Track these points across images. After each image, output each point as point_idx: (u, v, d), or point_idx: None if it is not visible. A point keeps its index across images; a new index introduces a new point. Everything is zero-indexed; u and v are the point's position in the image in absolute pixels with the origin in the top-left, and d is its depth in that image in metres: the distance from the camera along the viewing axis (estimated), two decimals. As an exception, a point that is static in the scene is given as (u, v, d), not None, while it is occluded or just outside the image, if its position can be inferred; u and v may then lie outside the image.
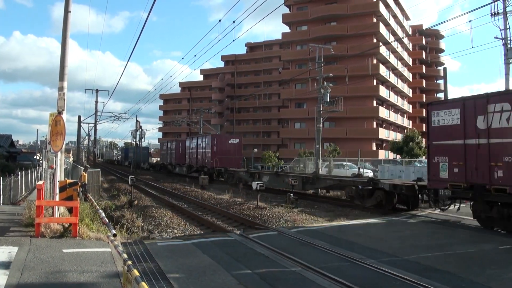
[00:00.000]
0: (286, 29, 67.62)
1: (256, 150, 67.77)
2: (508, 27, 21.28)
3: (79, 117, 46.48)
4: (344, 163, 35.96)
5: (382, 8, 59.20)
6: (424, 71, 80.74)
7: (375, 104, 59.48)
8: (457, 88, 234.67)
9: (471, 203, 12.10)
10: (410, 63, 73.80)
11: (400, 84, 68.55)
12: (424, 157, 48.38)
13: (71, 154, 58.64)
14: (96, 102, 49.30)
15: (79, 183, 12.18)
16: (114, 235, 7.96)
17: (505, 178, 10.73)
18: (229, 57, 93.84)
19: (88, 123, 64.44)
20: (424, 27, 79.72)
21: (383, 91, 60.61)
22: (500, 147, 10.94)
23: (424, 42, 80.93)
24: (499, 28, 21.35)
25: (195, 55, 62.45)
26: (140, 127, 55.15)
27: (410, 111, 75.80)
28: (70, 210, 10.13)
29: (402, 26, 70.05)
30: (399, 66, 66.37)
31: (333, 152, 47.55)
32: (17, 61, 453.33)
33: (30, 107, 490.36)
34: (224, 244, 9.26)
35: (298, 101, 64.07)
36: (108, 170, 55.73)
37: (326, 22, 61.97)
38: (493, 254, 8.71)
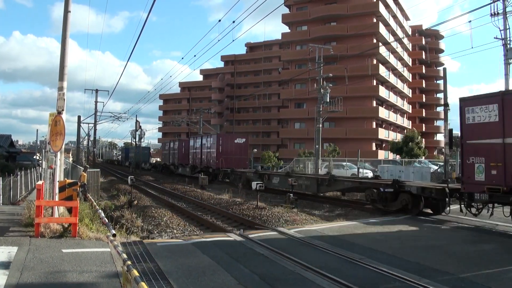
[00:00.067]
0: (286, 29, 67.69)
1: (255, 150, 67.83)
2: (507, 27, 21.29)
3: (79, 117, 46.49)
4: (344, 163, 35.99)
5: (382, 8, 59.25)
6: (423, 71, 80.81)
7: (374, 104, 59.53)
8: (456, 89, 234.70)
9: None
10: (410, 63, 73.86)
11: (399, 84, 68.61)
12: (423, 157, 48.47)
13: (70, 154, 58.63)
14: (96, 102, 49.32)
15: (79, 183, 12.16)
16: (114, 235, 7.95)
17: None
18: (228, 57, 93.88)
19: (88, 123, 64.58)
20: (424, 27, 79.83)
21: (383, 91, 60.65)
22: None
23: (423, 42, 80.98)
24: (499, 28, 21.37)
25: (194, 55, 62.96)
26: (140, 127, 55.14)
27: (410, 111, 75.87)
28: (69, 210, 10.13)
29: (402, 26, 70.10)
30: (398, 66, 66.42)
31: (332, 152, 47.58)
32: (17, 61, 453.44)
33: (29, 107, 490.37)
34: (223, 244, 9.25)
35: (298, 101, 64.11)
36: (108, 170, 55.70)
37: (326, 22, 62.03)
38: None
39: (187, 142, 42.74)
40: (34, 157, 59.50)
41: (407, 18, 74.38)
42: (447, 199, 13.31)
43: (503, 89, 21.87)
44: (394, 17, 66.17)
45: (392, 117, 65.09)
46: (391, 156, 55.06)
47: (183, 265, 7.41)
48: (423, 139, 57.50)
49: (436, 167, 33.62)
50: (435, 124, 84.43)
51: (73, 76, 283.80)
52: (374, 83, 59.18)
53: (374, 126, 59.26)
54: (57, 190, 10.15)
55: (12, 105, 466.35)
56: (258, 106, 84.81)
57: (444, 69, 26.87)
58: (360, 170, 31.50)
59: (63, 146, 10.20)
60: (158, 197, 22.76)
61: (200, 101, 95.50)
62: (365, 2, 59.58)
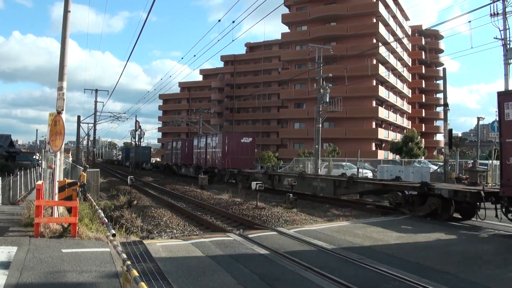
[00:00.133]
0: (286, 29, 67.70)
1: (255, 150, 67.77)
2: (507, 27, 21.29)
3: (79, 117, 46.43)
4: (344, 163, 35.97)
5: (381, 9, 59.27)
6: (423, 71, 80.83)
7: (374, 104, 59.55)
8: (456, 89, 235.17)
9: None
10: (410, 64, 73.88)
11: (399, 85, 68.65)
12: (423, 157, 48.49)
13: (70, 154, 58.65)
14: (96, 102, 49.34)
15: (78, 183, 12.18)
16: (113, 235, 7.95)
17: None
18: (228, 57, 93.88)
19: (88, 123, 64.72)
20: (423, 28, 79.88)
21: (383, 92, 60.67)
22: None
23: (423, 42, 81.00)
24: (499, 28, 21.36)
25: (194, 55, 63.15)
26: (140, 127, 55.07)
27: (410, 111, 75.90)
28: (69, 210, 10.14)
29: (401, 27, 70.13)
30: (398, 66, 66.44)
31: (332, 152, 47.60)
32: (16, 61, 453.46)
33: (29, 107, 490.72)
34: (223, 244, 9.25)
35: (298, 101, 64.11)
36: (107, 170, 55.66)
37: (326, 22, 62.03)
38: None
39: (191, 141, 41.62)
40: (34, 157, 59.47)
41: (406, 18, 74.41)
42: (478, 203, 12.32)
43: (503, 89, 21.89)
44: (394, 17, 66.19)
45: (391, 117, 65.12)
46: (390, 156, 55.08)
47: (182, 265, 7.41)
48: (423, 139, 57.54)
49: (435, 167, 33.62)
50: (434, 124, 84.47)
51: (72, 76, 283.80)
52: (374, 83, 59.20)
53: (373, 126, 59.29)
54: (56, 190, 10.16)
55: (11, 105, 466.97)
56: (257, 106, 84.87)
57: (444, 69, 26.89)
58: (360, 170, 31.49)
59: (63, 146, 10.21)
60: (157, 197, 22.76)
61: (199, 101, 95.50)
62: (365, 2, 59.60)
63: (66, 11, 10.75)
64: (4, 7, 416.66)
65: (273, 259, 7.99)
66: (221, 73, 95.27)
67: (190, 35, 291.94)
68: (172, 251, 8.49)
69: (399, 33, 67.03)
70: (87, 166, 27.89)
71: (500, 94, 11.45)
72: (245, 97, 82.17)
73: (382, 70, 59.60)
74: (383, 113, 60.72)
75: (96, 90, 49.37)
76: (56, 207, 10.07)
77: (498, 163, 27.07)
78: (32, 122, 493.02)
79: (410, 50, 75.81)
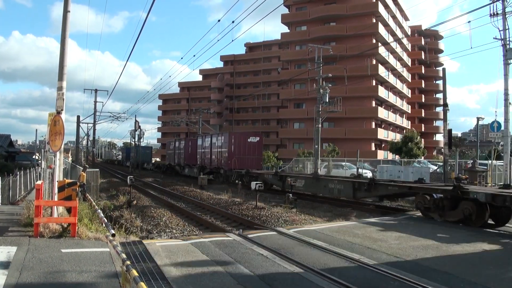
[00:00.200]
0: (285, 29, 67.72)
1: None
2: (507, 27, 21.29)
3: (78, 117, 46.35)
4: (343, 163, 36.01)
5: (381, 9, 59.29)
6: (423, 71, 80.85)
7: (374, 105, 59.58)
8: (456, 89, 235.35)
9: None
10: (409, 64, 73.92)
11: (399, 85, 68.68)
12: (423, 157, 48.55)
13: (70, 154, 58.67)
14: (95, 102, 49.27)
15: (78, 183, 12.17)
16: (113, 235, 7.94)
17: None
18: (228, 57, 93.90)
19: (87, 123, 64.71)
20: (423, 28, 79.92)
21: (382, 92, 60.70)
22: None
23: (423, 42, 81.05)
24: (498, 29, 21.37)
25: (194, 55, 62.79)
26: (139, 127, 55.04)
27: (409, 111, 75.94)
28: (69, 210, 10.13)
29: (401, 27, 70.17)
30: (398, 66, 66.47)
31: (332, 152, 47.62)
32: (16, 61, 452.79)
33: (29, 107, 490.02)
34: (222, 244, 9.26)
35: (297, 101, 64.13)
36: (107, 170, 55.66)
37: (325, 23, 62.05)
38: None
39: (195, 141, 40.68)
40: (33, 157, 59.52)
41: (406, 19, 74.45)
42: None
43: (502, 90, 21.90)
44: (394, 17, 66.22)
45: (391, 117, 65.15)
46: (390, 156, 55.11)
47: (182, 265, 7.41)
48: (422, 139, 57.56)
49: (435, 167, 33.65)
50: (434, 124, 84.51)
51: (72, 76, 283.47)
52: (374, 83, 59.23)
53: (373, 126, 59.31)
54: (56, 190, 10.16)
55: (11, 105, 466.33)
56: (257, 106, 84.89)
57: (444, 69, 26.90)
58: (360, 170, 31.52)
59: (62, 146, 10.20)
60: (157, 197, 22.76)
61: (199, 101, 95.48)
62: (365, 2, 59.62)
63: (65, 11, 10.75)
64: (4, 7, 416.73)
65: (273, 259, 7.99)
66: (221, 73, 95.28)
67: (189, 35, 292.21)
68: (172, 251, 8.49)
69: (399, 33, 67.07)
70: (87, 166, 27.88)
71: None
72: (245, 97, 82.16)
73: (382, 70, 59.63)
74: (382, 113, 60.74)
75: (96, 90, 49.33)
76: (55, 207, 10.06)
77: (498, 163, 27.14)
78: (32, 122, 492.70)
79: (410, 50, 75.86)
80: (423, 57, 78.61)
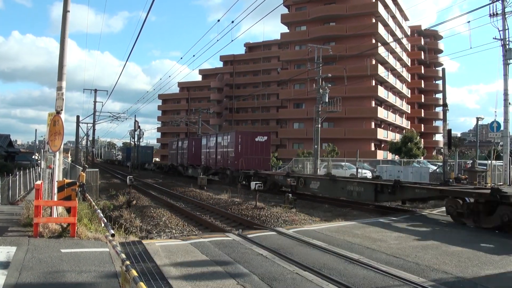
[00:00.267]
0: (285, 29, 67.72)
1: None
2: (507, 28, 21.33)
3: (78, 117, 46.40)
4: (343, 163, 36.02)
5: (380, 9, 59.31)
6: (422, 71, 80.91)
7: (373, 105, 59.59)
8: (455, 89, 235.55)
9: None
10: (409, 64, 73.95)
11: (398, 85, 68.70)
12: (422, 157, 48.58)
13: (69, 154, 58.63)
14: (95, 102, 49.32)
15: (78, 183, 12.17)
16: (113, 235, 7.95)
17: None
18: (227, 57, 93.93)
19: (87, 123, 64.69)
20: (423, 28, 79.99)
21: (382, 92, 60.72)
22: None
23: (422, 42, 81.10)
24: (498, 29, 21.41)
25: (194, 55, 62.84)
26: (139, 127, 55.04)
27: (409, 111, 75.96)
28: (68, 210, 10.13)
29: (401, 27, 70.19)
30: (397, 66, 66.50)
31: (331, 152, 47.63)
32: (16, 61, 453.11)
33: (28, 107, 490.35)
34: (222, 244, 9.26)
35: (297, 102, 64.14)
36: (107, 170, 55.60)
37: (325, 23, 62.06)
38: None
39: (199, 140, 39.58)
40: (33, 157, 59.49)
41: (406, 19, 74.48)
42: None
43: (502, 90, 21.92)
44: (393, 17, 66.24)
45: (391, 117, 65.16)
46: (390, 156, 55.13)
47: (182, 265, 7.41)
48: (422, 139, 57.59)
49: (435, 167, 33.67)
50: (434, 125, 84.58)
51: (72, 76, 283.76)
52: (373, 83, 59.25)
53: (373, 126, 59.33)
54: (55, 190, 10.16)
55: (11, 104, 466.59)
56: (257, 106, 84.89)
57: (443, 70, 26.92)
58: (359, 170, 31.54)
59: (62, 146, 10.20)
60: (156, 197, 22.75)
61: (199, 101, 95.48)
62: (364, 2, 59.63)
63: (65, 11, 10.75)
64: (4, 7, 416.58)
65: (272, 259, 7.99)
66: (220, 73, 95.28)
67: (189, 35, 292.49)
68: (171, 251, 8.49)
69: (399, 33, 67.10)
70: (86, 166, 27.88)
71: None
72: (244, 97, 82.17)
73: (382, 70, 59.65)
74: (382, 113, 60.77)
75: (95, 90, 49.36)
76: (55, 207, 10.06)
77: (497, 163, 27.12)
78: (31, 122, 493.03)
79: (410, 50, 75.87)
80: (422, 57, 78.65)
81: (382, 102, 62.64)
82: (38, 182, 9.81)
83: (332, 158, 41.07)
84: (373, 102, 59.99)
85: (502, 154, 24.31)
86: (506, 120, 21.77)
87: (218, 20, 19.72)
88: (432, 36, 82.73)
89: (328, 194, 19.90)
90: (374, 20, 58.75)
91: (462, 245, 9.40)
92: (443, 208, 15.69)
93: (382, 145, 61.86)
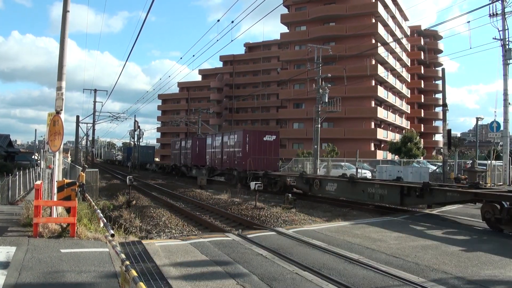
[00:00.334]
0: (285, 29, 67.75)
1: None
2: (506, 28, 21.38)
3: (77, 117, 46.44)
4: (342, 163, 36.04)
5: (380, 9, 59.33)
6: (422, 71, 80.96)
7: (373, 105, 59.61)
8: (455, 89, 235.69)
9: None
10: (409, 64, 73.98)
11: (398, 85, 68.73)
12: (422, 157, 48.60)
13: (69, 154, 58.57)
14: (95, 102, 49.36)
15: (77, 183, 12.17)
16: (112, 235, 7.94)
17: None
18: (227, 57, 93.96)
19: (86, 123, 64.66)
20: (422, 28, 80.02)
21: (382, 92, 60.74)
22: None
23: (422, 42, 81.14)
24: (498, 29, 21.46)
25: (193, 55, 62.63)
26: (139, 127, 55.02)
27: (409, 111, 75.99)
28: (68, 210, 10.13)
29: (400, 27, 70.21)
30: (397, 66, 66.52)
31: (331, 152, 47.64)
32: (15, 61, 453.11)
33: (28, 106, 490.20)
34: (222, 244, 9.26)
35: (297, 102, 64.15)
36: (107, 171, 55.54)
37: (325, 23, 62.08)
38: None
39: (203, 140, 38.45)
40: (33, 157, 59.51)
41: (406, 19, 74.50)
42: None
43: (502, 90, 21.95)
44: (393, 17, 66.26)
45: (390, 117, 65.18)
46: (389, 156, 55.16)
47: (181, 265, 7.41)
48: (422, 139, 57.62)
49: (434, 168, 33.69)
50: (433, 125, 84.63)
51: (71, 76, 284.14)
52: (373, 83, 59.27)
53: (372, 126, 59.34)
54: (55, 190, 10.16)
55: (10, 104, 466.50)
56: (256, 106, 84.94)
57: (443, 70, 26.97)
58: (359, 170, 31.56)
59: (62, 146, 10.20)
60: (156, 197, 22.75)
61: (198, 101, 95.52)
62: (364, 2, 59.66)
63: (65, 11, 10.75)
64: (4, 7, 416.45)
65: (272, 259, 7.99)
66: (220, 73, 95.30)
67: (189, 35, 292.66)
68: (171, 251, 8.49)
69: (398, 34, 67.13)
70: (86, 166, 27.87)
71: None
72: (244, 97, 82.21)
73: (381, 70, 59.67)
74: (382, 113, 60.78)
75: (95, 90, 49.39)
76: (55, 207, 10.06)
77: (497, 163, 27.14)
78: (31, 122, 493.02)
79: (409, 50, 75.91)
80: (422, 57, 78.68)
81: (381, 102, 62.66)
82: (38, 182, 9.81)
83: (332, 158, 41.07)
84: (373, 102, 60.01)
85: (501, 154, 24.35)
86: (505, 120, 21.81)
87: (218, 20, 19.74)
88: (432, 36, 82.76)
89: (346, 197, 18.77)
90: (374, 20, 58.78)
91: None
92: (443, 208, 15.79)
93: (382, 145, 61.88)
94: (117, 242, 8.04)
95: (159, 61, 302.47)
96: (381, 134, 60.65)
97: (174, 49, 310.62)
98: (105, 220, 9.53)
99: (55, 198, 10.07)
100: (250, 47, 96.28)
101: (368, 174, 31.62)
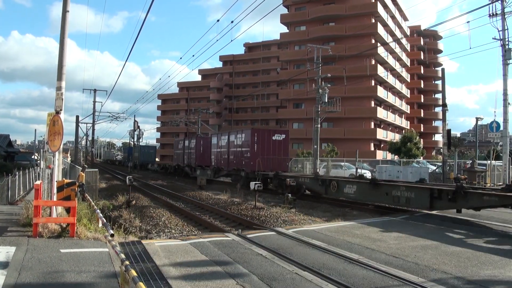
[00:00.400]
0: (285, 29, 67.74)
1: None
2: (506, 28, 21.36)
3: (77, 117, 46.44)
4: (342, 163, 36.02)
5: (380, 9, 59.34)
6: (422, 71, 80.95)
7: (373, 105, 59.61)
8: (455, 89, 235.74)
9: None
10: (408, 64, 73.98)
11: (398, 85, 68.72)
12: (422, 157, 48.61)
13: (69, 154, 58.55)
14: (94, 102, 49.30)
15: (77, 183, 12.16)
16: (112, 235, 7.94)
17: None
18: (227, 57, 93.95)
19: (86, 123, 64.62)
20: (422, 28, 79.99)
21: (381, 92, 60.74)
22: None
23: (422, 42, 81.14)
24: (497, 29, 21.44)
25: (193, 55, 63.02)
26: (138, 127, 55.05)
27: (408, 111, 75.98)
28: (67, 210, 10.13)
29: (400, 27, 70.21)
30: (397, 66, 66.51)
31: (331, 152, 47.64)
32: (15, 61, 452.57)
33: (28, 106, 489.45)
34: (221, 244, 9.26)
35: (296, 102, 64.14)
36: (107, 171, 55.49)
37: (324, 23, 62.08)
38: None
39: (208, 139, 37.34)
40: (32, 157, 59.46)
41: (405, 19, 74.51)
42: None
43: (501, 90, 21.96)
44: (393, 17, 66.26)
45: (390, 117, 65.18)
46: (389, 156, 55.17)
47: (181, 265, 7.41)
48: (421, 140, 57.64)
49: (434, 168, 33.70)
50: (433, 125, 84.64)
51: (71, 76, 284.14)
52: (373, 84, 59.26)
53: (372, 126, 59.34)
54: (55, 190, 10.15)
55: (10, 104, 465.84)
56: (256, 106, 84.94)
57: (443, 70, 26.98)
58: (359, 170, 31.56)
59: (61, 146, 10.20)
60: (156, 197, 22.75)
61: (198, 101, 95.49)
62: (364, 2, 59.65)
63: (64, 11, 10.75)
64: (3, 7, 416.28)
65: (272, 259, 7.99)
66: (220, 73, 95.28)
67: (189, 35, 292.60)
68: (171, 251, 8.49)
69: (398, 34, 67.12)
70: (86, 166, 27.86)
71: None
72: (244, 97, 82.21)
73: (381, 71, 59.67)
74: (381, 113, 60.78)
75: (95, 90, 49.34)
76: (54, 207, 10.06)
77: (497, 163, 27.14)
78: (31, 122, 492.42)
79: (409, 50, 75.91)
80: (422, 57, 78.69)
81: (381, 102, 62.67)
82: (38, 182, 9.81)
83: (332, 158, 41.07)
84: (373, 102, 60.01)
85: (501, 154, 24.35)
86: (505, 120, 21.80)
87: (218, 20, 19.71)
88: (432, 36, 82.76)
89: (367, 200, 17.63)
90: (373, 20, 58.77)
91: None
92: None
93: (382, 145, 61.88)
94: (116, 242, 8.04)
95: (159, 61, 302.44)
96: (381, 134, 60.65)
97: (174, 49, 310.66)
98: (104, 220, 9.53)
99: (54, 198, 10.07)
100: (249, 47, 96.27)
101: (368, 174, 31.60)
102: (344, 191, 18.31)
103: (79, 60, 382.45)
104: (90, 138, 59.26)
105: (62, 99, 10.30)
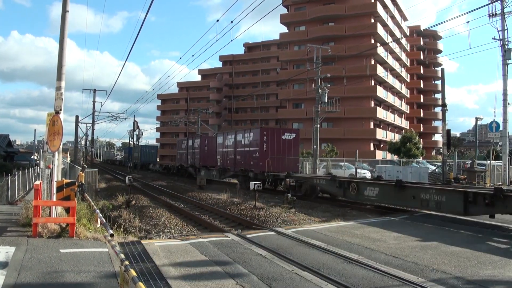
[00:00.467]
0: (284, 29, 67.69)
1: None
2: (506, 28, 21.37)
3: (77, 117, 46.40)
4: (342, 163, 36.00)
5: (380, 9, 59.31)
6: (421, 71, 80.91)
7: (372, 105, 59.58)
8: (454, 89, 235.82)
9: None
10: (408, 64, 73.94)
11: (397, 85, 68.70)
12: (421, 157, 48.61)
13: (68, 154, 58.57)
14: (94, 102, 49.25)
15: (77, 183, 12.17)
16: (112, 235, 7.95)
17: None
18: (227, 57, 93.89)
19: (86, 123, 64.56)
20: (422, 28, 79.92)
21: (381, 92, 60.72)
22: None
23: (422, 43, 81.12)
24: (497, 29, 21.45)
25: (193, 55, 62.91)
26: (138, 127, 55.03)
27: (408, 111, 75.94)
28: (67, 210, 10.13)
29: (400, 27, 70.19)
30: (396, 66, 66.49)
31: (330, 152, 47.62)
32: (15, 61, 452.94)
33: (27, 106, 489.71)
34: (221, 244, 9.26)
35: (296, 102, 64.11)
36: (107, 171, 55.45)
37: (324, 23, 62.05)
38: None
39: (213, 139, 36.44)
40: (32, 157, 59.45)
41: (405, 19, 74.49)
42: None
43: (501, 90, 21.97)
44: (392, 17, 66.24)
45: (390, 117, 65.17)
46: (389, 156, 55.14)
47: (181, 265, 7.41)
48: (421, 140, 57.59)
49: (434, 168, 33.70)
50: (433, 125, 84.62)
51: (71, 76, 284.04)
52: (372, 84, 59.24)
53: (372, 126, 59.32)
54: (54, 190, 10.15)
55: (10, 104, 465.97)
56: (256, 106, 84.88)
57: (442, 70, 26.97)
58: (358, 170, 31.55)
59: (61, 146, 10.20)
60: (156, 197, 22.74)
61: (198, 101, 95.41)
62: (363, 2, 59.63)
63: (64, 11, 10.74)
64: (3, 7, 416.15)
65: (271, 259, 7.99)
66: (220, 73, 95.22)
67: (188, 35, 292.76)
68: (170, 251, 8.49)
69: (398, 34, 67.09)
70: (85, 166, 27.86)
71: None
72: (244, 97, 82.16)
73: (381, 71, 59.64)
74: (381, 113, 60.76)
75: (95, 90, 49.30)
76: (54, 207, 10.05)
77: (496, 163, 27.15)
78: (31, 122, 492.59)
79: (409, 50, 75.87)
80: (422, 57, 78.67)
81: (381, 102, 62.64)
82: (37, 182, 9.80)
83: (331, 158, 41.04)
84: (372, 102, 59.97)
85: (501, 154, 24.34)
86: (505, 120, 21.80)
87: (217, 20, 19.68)
88: (431, 36, 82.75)
89: (391, 203, 16.57)
90: (373, 20, 58.73)
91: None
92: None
93: (381, 145, 61.86)
94: (116, 242, 8.04)
95: (159, 61, 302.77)
96: (381, 134, 60.61)
97: (174, 49, 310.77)
98: (104, 220, 9.54)
99: (54, 198, 10.07)
100: (249, 47, 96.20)
101: (368, 174, 31.62)
102: (364, 194, 16.89)
103: (79, 60, 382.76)
104: (89, 138, 59.24)
105: (62, 99, 10.30)
